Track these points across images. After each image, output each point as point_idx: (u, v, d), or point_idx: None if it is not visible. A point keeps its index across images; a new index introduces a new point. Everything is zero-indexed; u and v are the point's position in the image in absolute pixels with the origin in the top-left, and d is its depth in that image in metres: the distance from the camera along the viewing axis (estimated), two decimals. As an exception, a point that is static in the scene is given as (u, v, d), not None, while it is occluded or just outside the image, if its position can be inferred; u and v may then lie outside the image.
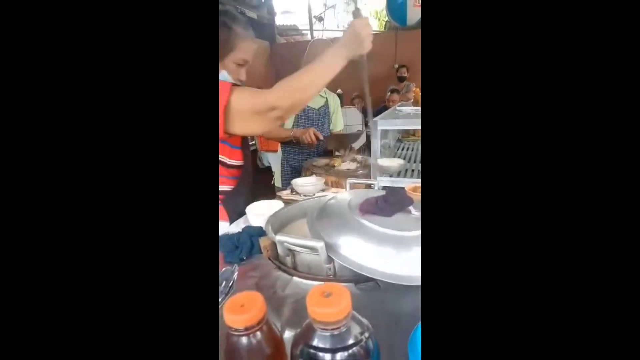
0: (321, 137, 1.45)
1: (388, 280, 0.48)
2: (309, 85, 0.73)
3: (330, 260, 0.53)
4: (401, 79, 3.99)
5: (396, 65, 4.14)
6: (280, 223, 0.74)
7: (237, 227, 0.87)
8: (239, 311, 0.26)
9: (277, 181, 1.67)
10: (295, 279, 0.56)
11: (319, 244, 0.51)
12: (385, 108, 2.58)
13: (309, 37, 6.05)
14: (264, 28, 4.72)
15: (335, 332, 0.25)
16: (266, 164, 1.02)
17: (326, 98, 1.66)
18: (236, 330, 0.26)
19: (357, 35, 0.70)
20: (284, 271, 0.58)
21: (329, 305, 0.25)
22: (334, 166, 1.28)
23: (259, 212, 0.83)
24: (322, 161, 1.36)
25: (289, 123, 1.57)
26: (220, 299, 0.38)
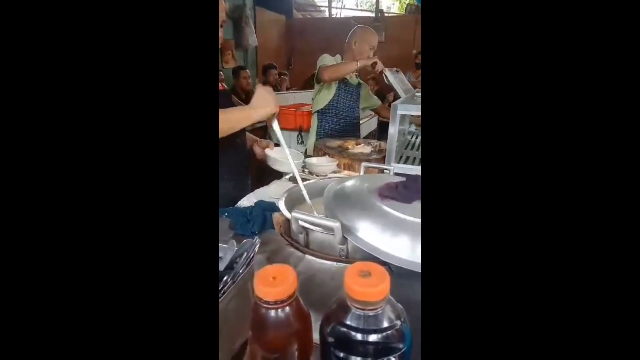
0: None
1: (402, 266, 0.48)
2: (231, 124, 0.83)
3: (344, 241, 0.52)
4: (419, 66, 3.87)
5: (414, 51, 4.01)
6: (293, 200, 0.74)
7: (248, 201, 0.86)
8: (271, 284, 0.25)
9: (310, 149, 1.67)
10: (308, 256, 0.56)
11: (336, 224, 0.50)
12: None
13: (326, 14, 5.87)
14: (281, 2, 4.56)
15: (371, 313, 0.25)
16: (275, 141, 1.00)
17: (359, 80, 1.74)
18: (265, 302, 0.26)
19: (265, 100, 0.82)
20: (296, 248, 0.58)
21: (370, 285, 0.24)
22: (347, 148, 1.26)
23: (278, 157, 0.88)
24: (335, 142, 1.34)
25: (331, 92, 1.60)
26: (239, 271, 0.37)
